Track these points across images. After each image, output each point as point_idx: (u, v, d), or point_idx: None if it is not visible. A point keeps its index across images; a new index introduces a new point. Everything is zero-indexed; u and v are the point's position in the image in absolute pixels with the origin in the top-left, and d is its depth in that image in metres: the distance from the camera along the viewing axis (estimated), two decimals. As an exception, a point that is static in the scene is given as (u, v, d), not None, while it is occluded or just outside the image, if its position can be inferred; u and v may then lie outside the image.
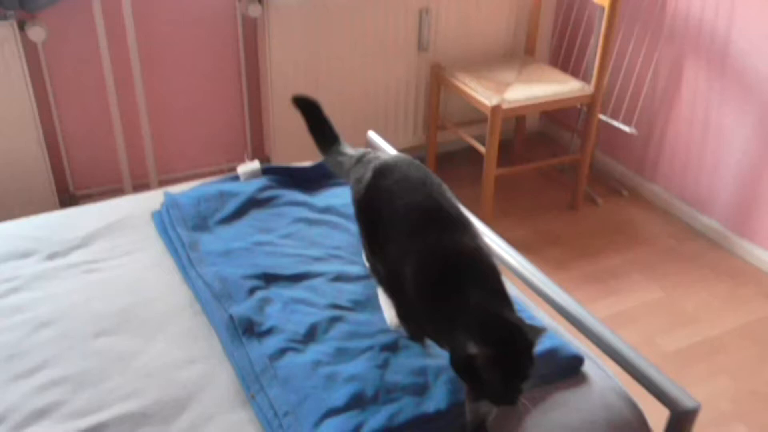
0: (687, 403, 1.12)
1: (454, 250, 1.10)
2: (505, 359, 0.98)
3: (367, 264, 1.37)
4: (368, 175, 1.23)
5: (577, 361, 1.23)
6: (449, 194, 1.21)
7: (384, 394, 1.14)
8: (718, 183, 2.57)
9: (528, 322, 1.04)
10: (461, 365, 1.01)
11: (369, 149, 1.37)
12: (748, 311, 2.27)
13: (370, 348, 1.24)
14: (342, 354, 1.22)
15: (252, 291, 1.35)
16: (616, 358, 1.23)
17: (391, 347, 1.24)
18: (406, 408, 1.12)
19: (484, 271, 1.09)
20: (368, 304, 1.35)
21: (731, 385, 1.99)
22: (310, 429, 1.08)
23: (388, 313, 1.27)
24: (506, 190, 2.79)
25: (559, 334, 1.30)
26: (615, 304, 2.28)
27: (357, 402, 1.12)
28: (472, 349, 0.96)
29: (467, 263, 1.09)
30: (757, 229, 2.47)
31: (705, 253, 2.55)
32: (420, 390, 1.15)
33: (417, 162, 1.26)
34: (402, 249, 1.14)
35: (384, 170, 1.23)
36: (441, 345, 1.12)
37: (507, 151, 2.90)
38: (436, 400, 1.13)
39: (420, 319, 1.15)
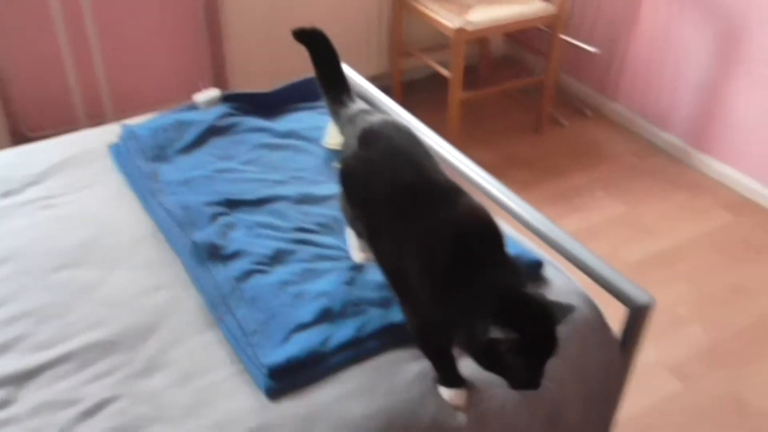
0: (641, 298, 1.16)
1: (456, 222, 0.99)
2: (532, 342, 0.89)
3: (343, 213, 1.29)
4: (353, 143, 1.13)
5: (537, 265, 1.26)
6: (435, 161, 1.10)
7: (351, 308, 1.16)
8: (677, 99, 2.59)
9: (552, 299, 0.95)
10: (481, 350, 0.91)
11: (362, 104, 1.26)
12: (706, 220, 2.34)
13: (336, 268, 1.25)
14: (309, 274, 1.23)
15: (215, 217, 1.34)
16: (574, 260, 1.26)
17: (358, 267, 1.26)
18: (372, 319, 1.14)
19: (490, 238, 0.99)
20: (334, 226, 1.35)
21: (690, 291, 2.07)
22: (279, 345, 1.09)
23: (355, 252, 1.26)
24: (472, 115, 2.78)
25: (519, 242, 1.32)
26: (580, 220, 2.32)
27: (325, 317, 1.14)
28: (495, 332, 0.87)
29: (472, 233, 0.98)
30: (714, 142, 2.51)
31: (665, 168, 2.59)
32: (386, 303, 1.17)
33: (404, 126, 1.15)
34: (398, 242, 1.02)
35: (369, 138, 1.12)
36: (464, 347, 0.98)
37: (472, 76, 2.87)
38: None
39: (439, 324, 1.00)
